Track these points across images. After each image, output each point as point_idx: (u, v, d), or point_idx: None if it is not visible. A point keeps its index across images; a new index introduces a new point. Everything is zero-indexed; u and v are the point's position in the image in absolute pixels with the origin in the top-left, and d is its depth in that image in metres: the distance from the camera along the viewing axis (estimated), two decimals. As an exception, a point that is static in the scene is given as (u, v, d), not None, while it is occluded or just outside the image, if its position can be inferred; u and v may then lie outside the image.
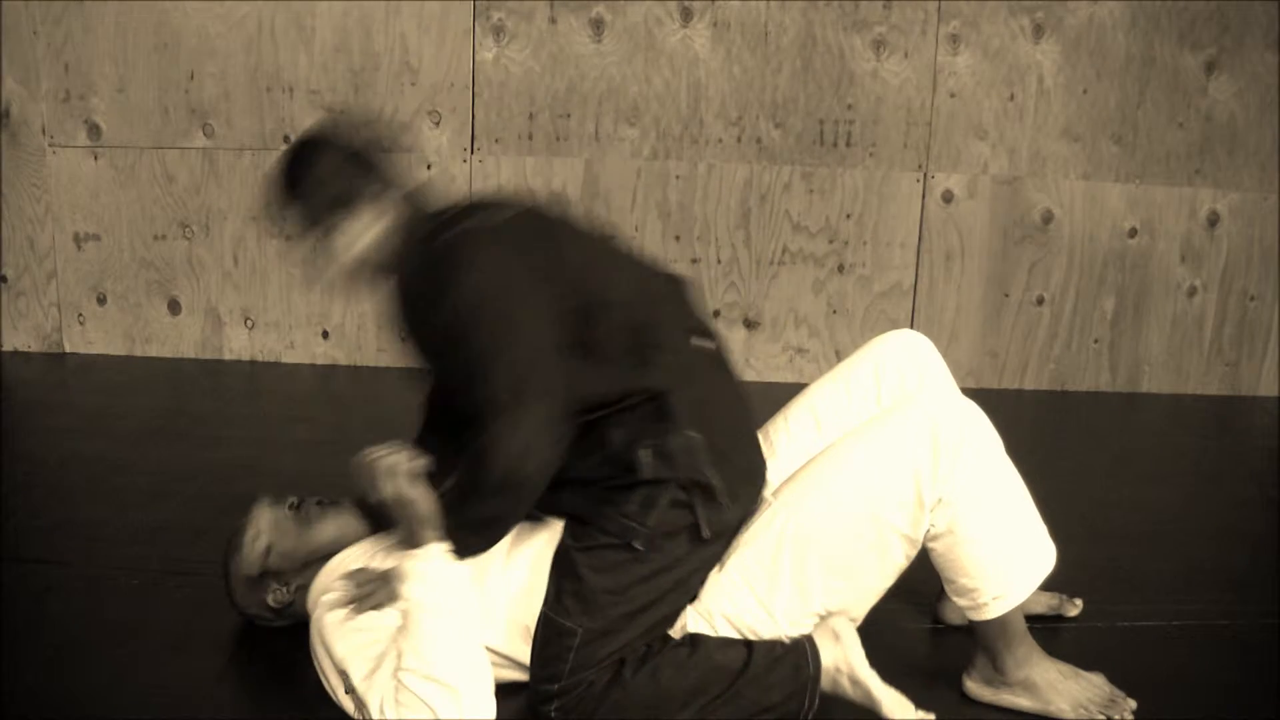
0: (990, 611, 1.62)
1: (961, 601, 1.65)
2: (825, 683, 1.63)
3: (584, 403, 1.58)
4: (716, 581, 1.66)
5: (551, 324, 1.57)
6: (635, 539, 1.57)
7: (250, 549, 1.74)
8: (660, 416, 1.59)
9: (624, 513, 1.58)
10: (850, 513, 1.59)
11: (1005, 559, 1.61)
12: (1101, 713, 1.66)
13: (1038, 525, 1.68)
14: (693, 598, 1.65)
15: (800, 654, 1.62)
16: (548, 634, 1.59)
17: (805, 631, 1.65)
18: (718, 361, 1.76)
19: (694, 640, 1.63)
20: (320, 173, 1.70)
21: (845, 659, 1.63)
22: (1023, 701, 1.68)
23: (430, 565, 1.58)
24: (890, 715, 1.58)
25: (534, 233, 1.66)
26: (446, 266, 1.57)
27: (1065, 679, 1.68)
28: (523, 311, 1.56)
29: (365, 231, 1.71)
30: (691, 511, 1.59)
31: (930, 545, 1.60)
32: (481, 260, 1.57)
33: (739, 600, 1.64)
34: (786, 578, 1.61)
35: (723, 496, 1.60)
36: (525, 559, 1.65)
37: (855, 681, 1.61)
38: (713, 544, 1.62)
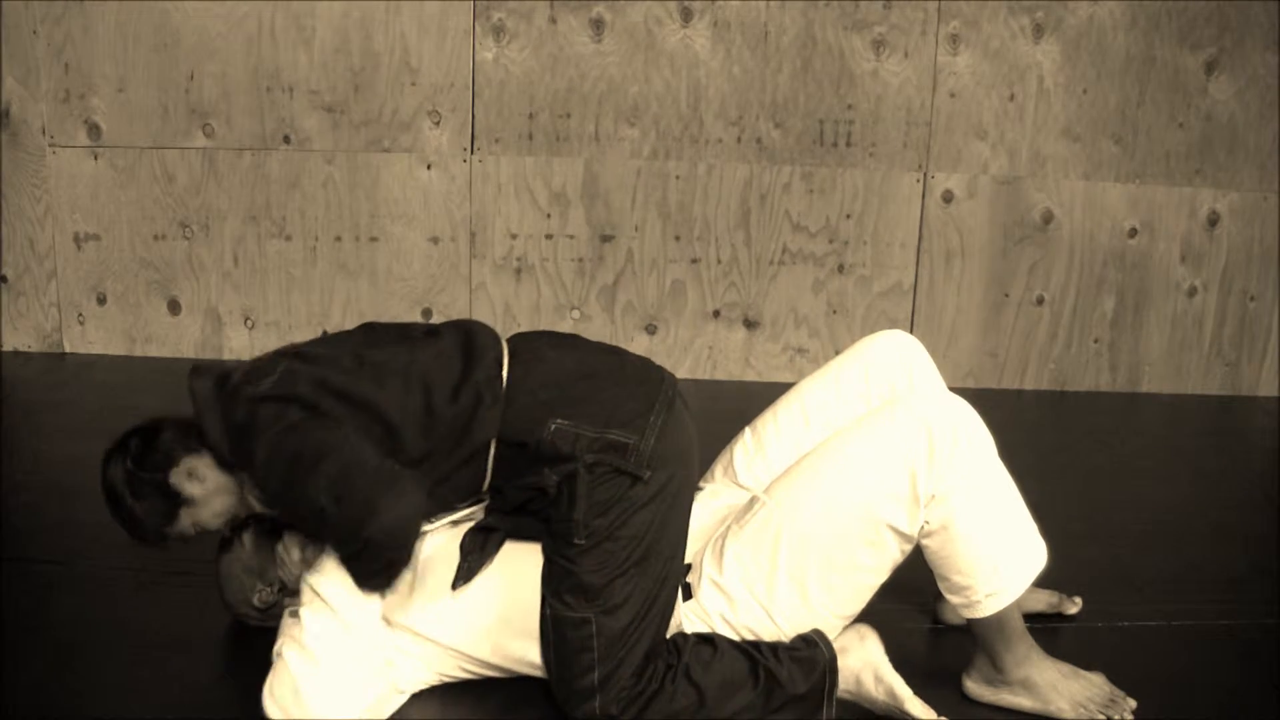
0: (984, 609, 1.62)
1: (955, 599, 1.65)
2: (849, 682, 1.63)
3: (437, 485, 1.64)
4: (714, 584, 1.66)
5: (355, 435, 1.60)
6: (579, 535, 1.57)
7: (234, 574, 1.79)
8: (522, 441, 1.61)
9: (560, 520, 1.59)
10: (845, 509, 1.59)
11: (998, 556, 1.61)
12: (1101, 712, 1.66)
13: (1029, 524, 1.69)
14: (683, 534, 1.66)
15: (813, 645, 1.62)
16: (561, 631, 1.59)
17: (803, 632, 1.65)
18: (534, 342, 1.75)
19: (711, 638, 1.63)
20: (136, 506, 1.73)
21: (870, 659, 1.63)
22: (1022, 701, 1.68)
23: (325, 579, 1.63)
24: (914, 714, 1.59)
25: (290, 380, 1.63)
26: (242, 450, 1.61)
27: (1065, 678, 1.68)
28: (317, 437, 1.58)
29: (209, 500, 1.71)
30: (615, 470, 1.58)
31: (924, 542, 1.61)
32: (266, 424, 1.59)
33: (737, 601, 1.64)
34: (783, 576, 1.62)
35: (625, 436, 1.59)
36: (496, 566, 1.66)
37: (879, 679, 1.62)
38: (658, 475, 1.60)
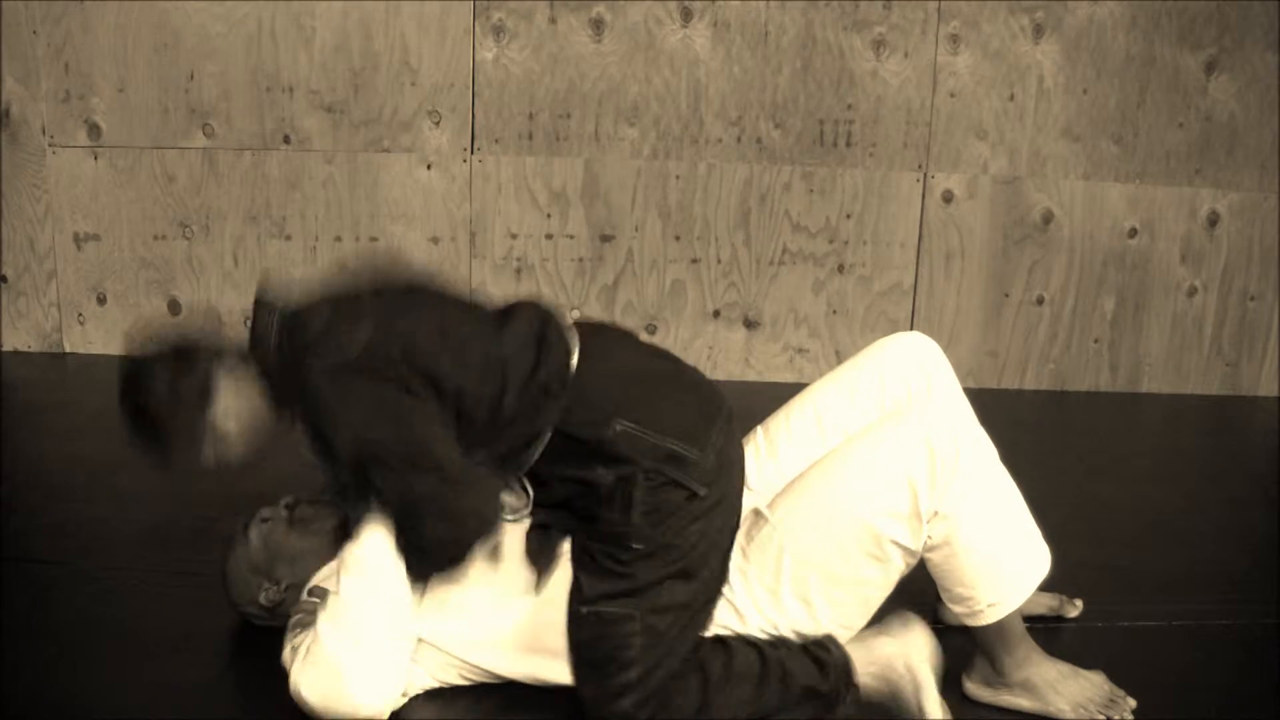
0: (986, 618, 1.63)
1: (957, 609, 1.65)
2: (878, 664, 1.63)
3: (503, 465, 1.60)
4: (722, 600, 1.65)
5: (440, 427, 1.56)
6: (633, 541, 1.56)
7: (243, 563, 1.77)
8: (581, 437, 1.58)
9: (614, 523, 1.57)
10: (847, 526, 1.59)
11: (1001, 567, 1.61)
12: (1101, 712, 1.66)
13: (1033, 531, 1.68)
14: (729, 548, 1.64)
15: (825, 648, 1.62)
16: (603, 629, 1.56)
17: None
18: (601, 336, 1.72)
19: (723, 638, 1.63)
20: (160, 398, 1.62)
21: (906, 647, 1.63)
22: (1022, 702, 1.68)
23: (367, 552, 1.60)
24: (929, 712, 1.59)
25: (381, 348, 1.57)
26: (325, 413, 1.56)
27: (1065, 679, 1.68)
28: (413, 429, 1.55)
29: (234, 411, 1.65)
30: (673, 483, 1.56)
31: (927, 556, 1.60)
32: (352, 401, 1.55)
33: (746, 616, 1.64)
34: (788, 592, 1.62)
35: (686, 450, 1.57)
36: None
37: (909, 669, 1.62)
38: (714, 491, 1.59)
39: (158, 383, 1.61)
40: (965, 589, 1.61)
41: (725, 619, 1.65)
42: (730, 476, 1.63)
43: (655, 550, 1.55)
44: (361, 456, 1.55)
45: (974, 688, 1.71)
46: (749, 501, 1.79)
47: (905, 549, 1.58)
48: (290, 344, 1.59)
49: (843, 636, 1.66)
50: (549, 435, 1.58)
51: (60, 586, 1.99)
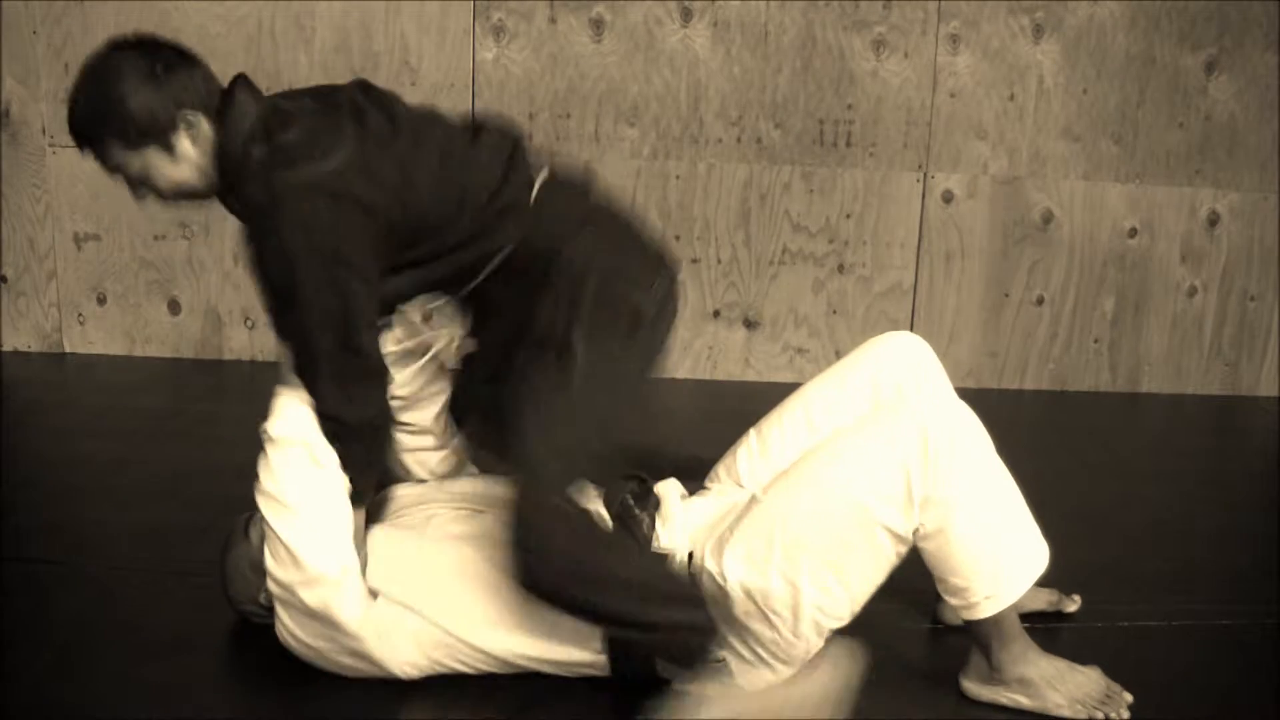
0: (982, 611, 1.63)
1: (954, 601, 1.65)
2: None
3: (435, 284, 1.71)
4: (714, 581, 1.65)
5: (375, 265, 1.62)
6: (574, 333, 1.62)
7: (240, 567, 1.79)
8: (539, 249, 1.67)
9: (553, 324, 1.64)
10: (839, 509, 1.59)
11: (996, 559, 1.61)
12: (1098, 709, 1.66)
13: (1030, 527, 1.68)
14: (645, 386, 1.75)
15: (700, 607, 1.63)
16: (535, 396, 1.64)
17: (803, 638, 1.64)
18: (566, 170, 1.81)
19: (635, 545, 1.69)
20: (126, 106, 1.63)
21: (836, 662, 1.62)
22: (1019, 699, 1.68)
23: (292, 404, 1.67)
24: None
25: (362, 166, 1.61)
26: (284, 222, 1.57)
27: (1061, 675, 1.68)
28: (347, 288, 1.60)
29: (181, 163, 1.68)
30: (620, 296, 1.66)
31: (922, 545, 1.61)
32: (313, 218, 1.57)
33: (734, 600, 1.64)
34: (776, 575, 1.61)
35: (638, 279, 1.68)
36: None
37: (829, 666, 1.62)
38: (650, 326, 1.69)
39: (137, 68, 1.68)
40: (960, 579, 1.61)
41: (708, 587, 1.64)
42: (665, 321, 1.73)
43: (592, 357, 1.62)
44: (288, 283, 1.59)
45: (971, 686, 1.71)
46: (741, 497, 1.80)
47: (896, 535, 1.58)
48: (264, 139, 1.61)
49: (825, 623, 1.66)
50: (506, 252, 1.67)
51: (60, 586, 1.99)
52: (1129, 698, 1.67)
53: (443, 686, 1.71)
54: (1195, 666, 1.89)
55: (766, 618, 1.63)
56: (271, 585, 1.65)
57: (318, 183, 1.57)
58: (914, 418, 1.59)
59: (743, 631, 1.65)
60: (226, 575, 1.80)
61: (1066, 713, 1.66)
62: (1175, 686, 1.79)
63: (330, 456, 1.67)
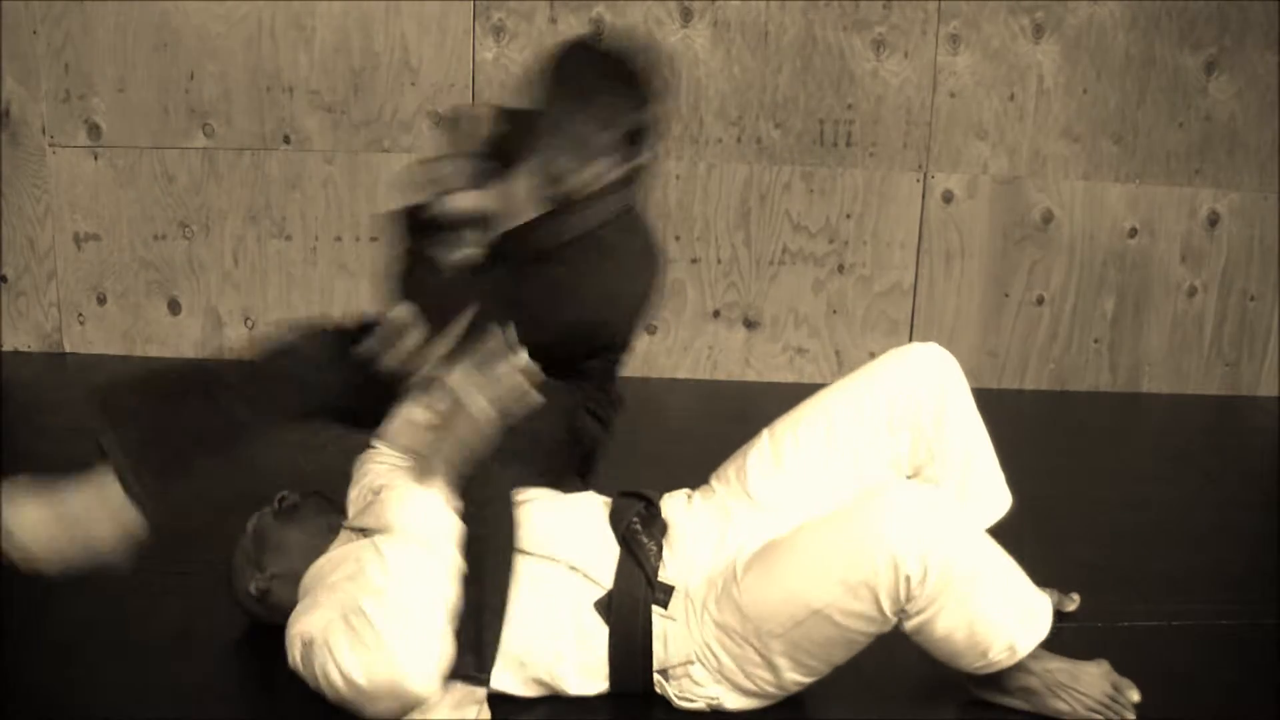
0: (979, 673, 1.64)
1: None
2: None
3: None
4: (712, 635, 1.65)
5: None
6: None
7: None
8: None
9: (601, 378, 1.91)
10: (813, 622, 1.57)
11: (989, 639, 1.60)
12: (1103, 710, 1.66)
13: (1023, 598, 1.65)
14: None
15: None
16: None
17: (785, 691, 1.65)
18: None
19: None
20: (615, 105, 1.70)
21: None
22: (1027, 701, 1.68)
23: (421, 517, 1.60)
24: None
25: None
26: (597, 259, 1.76)
27: (1067, 677, 1.68)
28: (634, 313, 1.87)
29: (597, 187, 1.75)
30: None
31: (908, 634, 1.61)
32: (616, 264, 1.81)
33: (719, 654, 1.64)
34: (753, 650, 1.62)
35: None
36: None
37: None
38: None
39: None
40: (951, 662, 1.63)
41: (711, 660, 1.64)
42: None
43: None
44: (591, 321, 1.76)
45: (978, 689, 1.71)
46: (747, 510, 1.79)
47: (873, 636, 1.59)
48: (549, 175, 1.71)
49: (804, 684, 1.66)
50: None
51: (60, 587, 1.99)
52: (1135, 696, 1.67)
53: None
54: (1195, 666, 1.88)
55: (750, 679, 1.64)
56: (340, 683, 1.51)
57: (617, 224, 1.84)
58: (883, 546, 1.53)
59: (727, 679, 1.66)
60: (230, 570, 1.81)
61: (1080, 714, 1.66)
62: (1175, 686, 1.78)
63: (446, 554, 1.60)
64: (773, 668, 1.61)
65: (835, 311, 3.44)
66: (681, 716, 1.66)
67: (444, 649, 1.54)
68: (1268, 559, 2.30)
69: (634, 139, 1.71)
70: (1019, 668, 1.65)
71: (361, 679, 1.49)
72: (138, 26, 3.25)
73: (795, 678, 1.63)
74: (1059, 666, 1.68)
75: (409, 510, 1.62)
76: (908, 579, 1.52)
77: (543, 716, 1.66)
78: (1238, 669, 1.89)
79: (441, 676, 1.54)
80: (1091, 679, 1.68)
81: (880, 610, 1.55)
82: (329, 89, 3.28)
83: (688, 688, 1.66)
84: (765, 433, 1.87)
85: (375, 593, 1.52)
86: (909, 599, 1.54)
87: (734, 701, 1.66)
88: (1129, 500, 2.65)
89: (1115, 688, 1.67)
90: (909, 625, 1.58)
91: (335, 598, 1.56)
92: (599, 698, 1.68)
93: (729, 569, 1.67)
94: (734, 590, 1.63)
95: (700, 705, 1.66)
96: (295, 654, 1.58)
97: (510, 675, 1.66)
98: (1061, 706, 1.66)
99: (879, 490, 1.64)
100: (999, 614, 1.61)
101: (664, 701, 1.67)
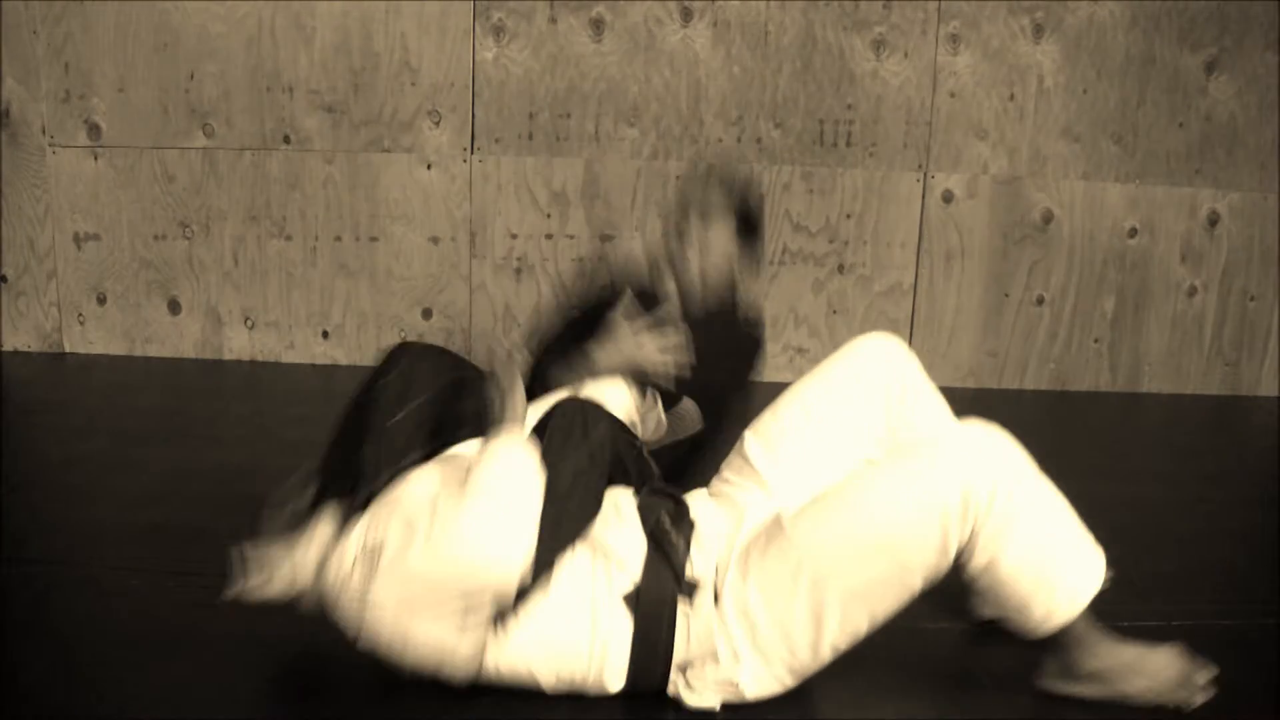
0: (1042, 631, 1.63)
1: (1012, 625, 1.65)
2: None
3: None
4: (738, 607, 1.64)
5: None
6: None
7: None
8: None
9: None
10: (874, 557, 1.57)
11: (1051, 585, 1.60)
12: (1173, 694, 1.67)
13: (1081, 540, 1.65)
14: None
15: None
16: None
17: (817, 661, 1.64)
18: None
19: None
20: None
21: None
22: (1097, 690, 1.68)
23: (507, 445, 1.62)
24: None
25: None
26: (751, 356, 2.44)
27: (1137, 662, 1.68)
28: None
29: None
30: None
31: (969, 580, 1.60)
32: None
33: (759, 627, 1.63)
34: (801, 604, 1.61)
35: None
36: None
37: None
38: None
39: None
40: (1014, 612, 1.62)
41: (738, 630, 1.63)
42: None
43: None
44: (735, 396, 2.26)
45: (1049, 680, 1.71)
46: (754, 494, 1.80)
47: (931, 576, 1.58)
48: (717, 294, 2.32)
49: (846, 644, 1.65)
50: None
51: (60, 586, 1.99)
52: (1205, 677, 1.67)
53: (441, 687, 1.71)
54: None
55: (789, 647, 1.63)
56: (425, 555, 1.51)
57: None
58: (953, 472, 1.55)
59: (761, 654, 1.64)
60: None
61: (1141, 701, 1.66)
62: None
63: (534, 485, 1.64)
64: (818, 624, 1.60)
65: (835, 311, 3.44)
66: (693, 717, 1.66)
67: (525, 538, 1.56)
68: (1268, 559, 2.30)
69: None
70: (1089, 650, 1.65)
71: (470, 531, 1.51)
72: (138, 26, 3.25)
73: (834, 639, 1.61)
74: (1129, 649, 1.69)
75: (500, 442, 1.65)
76: (977, 504, 1.53)
77: (557, 716, 1.66)
78: (1238, 669, 1.88)
79: (518, 570, 1.55)
80: (1162, 662, 1.69)
81: (945, 540, 1.54)
82: (329, 89, 3.28)
83: (708, 673, 1.65)
84: (746, 432, 1.89)
85: (471, 485, 1.56)
86: (976, 530, 1.54)
87: (754, 685, 1.64)
88: (1129, 500, 2.65)
89: (1186, 671, 1.68)
90: (975, 564, 1.56)
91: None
92: (611, 699, 1.68)
93: (769, 527, 1.67)
94: (781, 541, 1.63)
95: (713, 702, 1.65)
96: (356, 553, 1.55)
97: (529, 653, 1.66)
98: (1132, 689, 1.66)
99: (936, 433, 1.69)
100: (1063, 551, 1.62)
101: (675, 704, 1.67)
